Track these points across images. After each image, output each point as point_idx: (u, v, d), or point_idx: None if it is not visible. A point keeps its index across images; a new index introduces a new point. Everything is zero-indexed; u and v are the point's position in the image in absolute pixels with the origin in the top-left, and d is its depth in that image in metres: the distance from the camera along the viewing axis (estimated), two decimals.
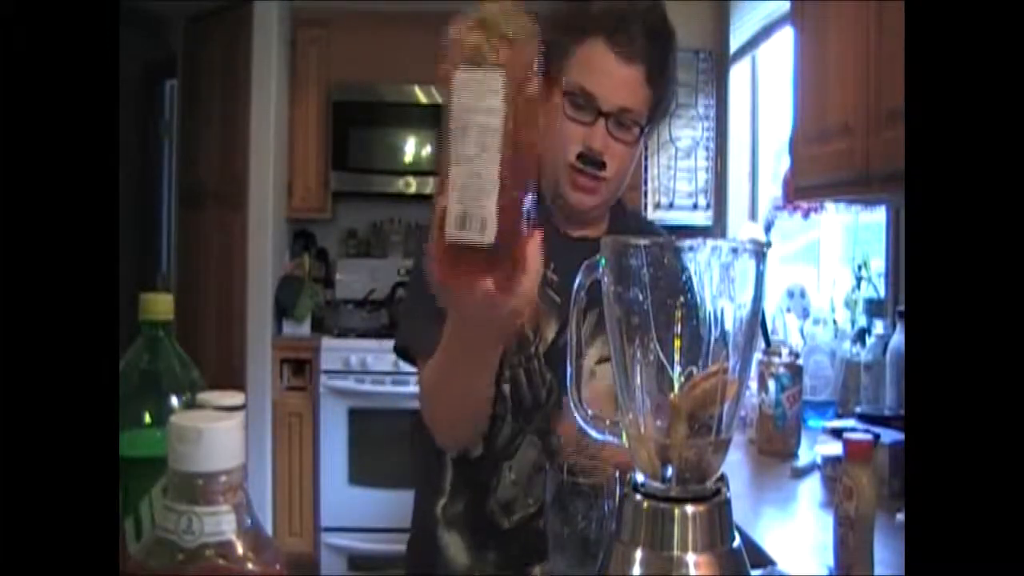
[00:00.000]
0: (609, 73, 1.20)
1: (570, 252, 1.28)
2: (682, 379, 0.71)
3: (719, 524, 0.70)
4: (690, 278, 0.70)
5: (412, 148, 4.20)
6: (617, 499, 0.75)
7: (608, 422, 0.78)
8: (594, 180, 1.23)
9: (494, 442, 1.26)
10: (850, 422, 2.04)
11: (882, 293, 2.49)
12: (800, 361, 2.15)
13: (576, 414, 0.79)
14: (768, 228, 3.23)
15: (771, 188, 3.38)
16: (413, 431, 1.39)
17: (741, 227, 3.38)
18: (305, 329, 4.06)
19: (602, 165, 1.21)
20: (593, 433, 0.79)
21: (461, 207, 0.70)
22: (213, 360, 3.98)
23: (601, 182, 1.24)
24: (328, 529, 3.82)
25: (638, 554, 0.69)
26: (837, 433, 1.83)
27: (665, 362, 0.71)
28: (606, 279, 0.74)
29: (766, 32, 3.25)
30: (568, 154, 1.22)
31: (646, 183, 3.46)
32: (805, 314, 2.75)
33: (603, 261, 0.74)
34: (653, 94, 1.23)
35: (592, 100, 1.20)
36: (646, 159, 3.46)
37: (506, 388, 1.25)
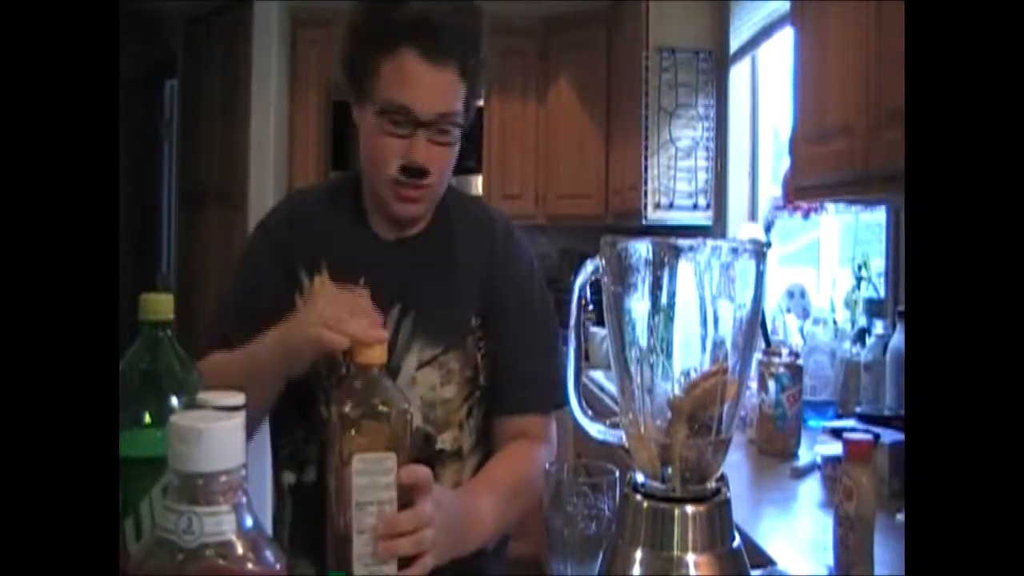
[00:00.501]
0: (422, 83, 1.16)
1: (384, 259, 1.28)
2: (682, 379, 0.71)
3: (719, 524, 0.70)
4: (690, 278, 0.70)
5: None
6: (617, 499, 0.75)
7: (608, 421, 0.78)
8: (418, 189, 1.21)
9: (324, 465, 1.16)
10: (850, 422, 2.04)
11: (882, 293, 2.49)
12: (800, 361, 2.15)
13: (576, 414, 0.79)
14: (768, 228, 3.23)
15: (771, 188, 3.38)
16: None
17: (741, 227, 3.38)
18: None
19: (425, 173, 1.20)
20: (594, 433, 0.79)
21: None
22: None
23: (425, 190, 1.22)
24: None
25: (638, 554, 0.69)
26: (837, 433, 1.83)
27: (665, 362, 0.71)
28: (606, 279, 0.74)
29: (766, 32, 3.25)
30: (390, 169, 1.19)
31: (646, 183, 3.46)
32: (805, 314, 2.75)
33: (601, 261, 0.74)
34: (468, 88, 1.21)
35: (408, 113, 1.17)
36: (646, 159, 3.46)
37: (323, 411, 1.21)
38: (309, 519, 1.19)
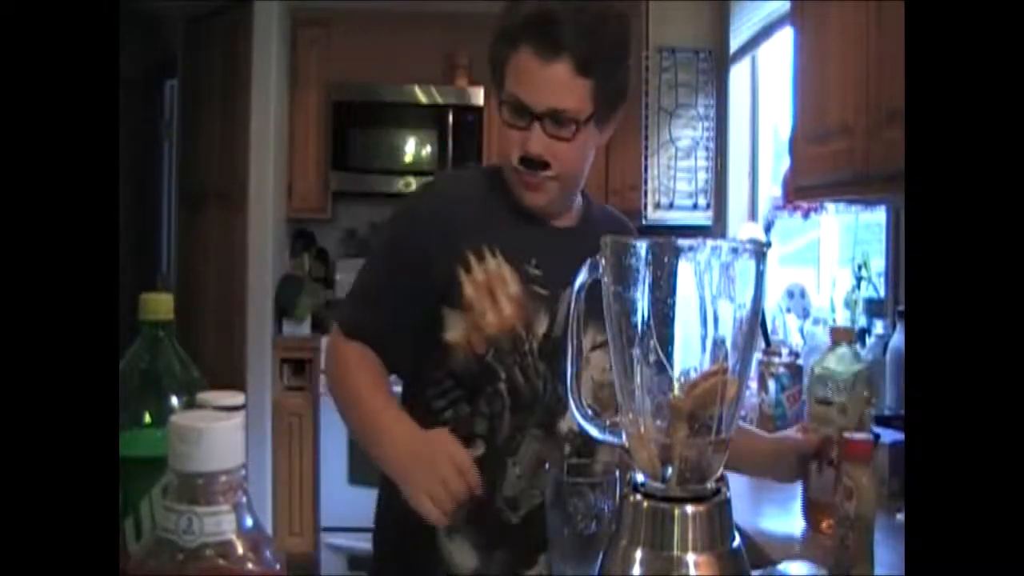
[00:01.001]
0: (533, 76, 1.22)
1: (551, 243, 1.32)
2: (682, 379, 0.71)
3: (719, 524, 0.70)
4: (690, 278, 0.69)
5: (412, 148, 4.20)
6: (617, 499, 0.75)
7: (608, 421, 0.78)
8: (539, 180, 1.27)
9: (494, 440, 1.27)
10: None
11: (882, 293, 2.49)
12: (800, 361, 2.15)
13: (576, 413, 0.79)
14: (768, 228, 3.23)
15: (771, 188, 3.37)
16: None
17: (741, 227, 3.38)
18: (305, 329, 4.06)
19: (543, 165, 1.25)
20: (594, 432, 0.79)
21: None
22: (213, 360, 3.98)
23: (547, 181, 1.27)
24: (328, 529, 3.82)
25: (638, 554, 0.69)
26: None
27: (665, 362, 0.71)
28: (606, 279, 0.73)
29: (766, 32, 3.24)
30: (511, 159, 1.27)
31: (646, 183, 3.46)
32: (805, 314, 2.75)
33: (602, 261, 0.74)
34: (594, 83, 1.23)
35: (523, 105, 1.23)
36: (646, 159, 3.46)
37: (503, 387, 1.27)
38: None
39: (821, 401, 1.48)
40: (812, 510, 1.52)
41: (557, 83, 1.22)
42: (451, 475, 1.09)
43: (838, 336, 1.53)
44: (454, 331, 1.28)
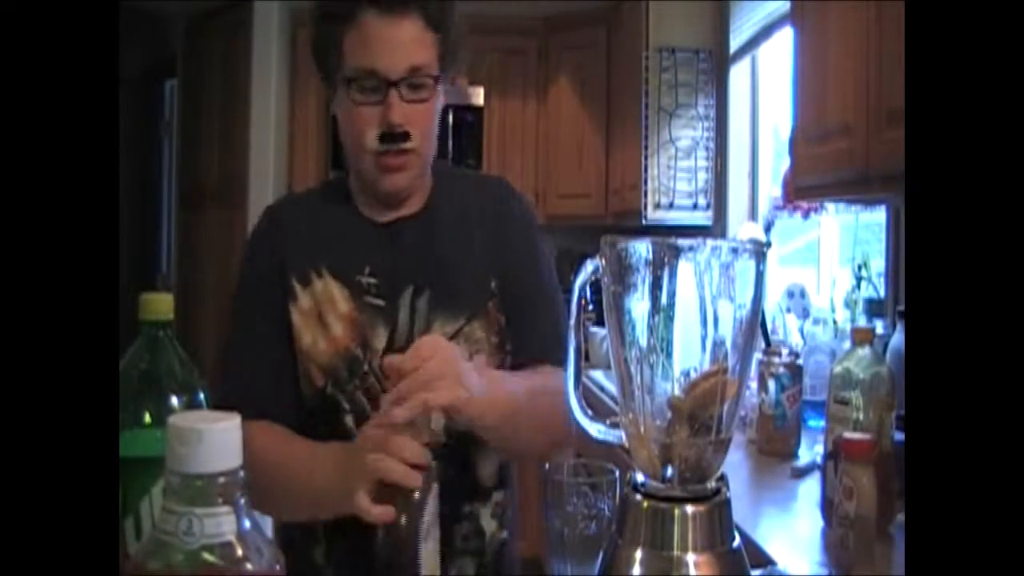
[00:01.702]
0: (384, 39, 1.12)
1: (387, 243, 1.22)
2: (682, 379, 0.71)
3: (719, 524, 0.70)
4: (690, 277, 0.69)
5: None
6: (617, 499, 0.75)
7: (608, 421, 0.78)
8: (402, 155, 1.16)
9: None
10: None
11: (882, 293, 2.49)
12: (800, 361, 2.15)
13: (576, 413, 0.79)
14: (768, 228, 3.23)
15: (771, 188, 3.37)
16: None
17: (741, 227, 3.38)
18: None
19: (406, 136, 1.15)
20: (594, 433, 0.79)
21: None
22: (213, 360, 3.97)
23: (410, 155, 1.17)
24: None
25: (638, 554, 0.69)
26: None
27: (665, 362, 0.71)
28: (606, 279, 0.73)
29: (766, 32, 3.24)
30: (369, 141, 1.15)
31: (646, 183, 3.46)
32: (805, 314, 2.75)
33: (601, 261, 0.74)
34: (439, 36, 1.16)
35: (376, 74, 1.12)
36: (646, 159, 3.46)
37: (349, 420, 1.17)
38: (345, 534, 1.14)
39: (839, 400, 1.48)
40: (830, 508, 1.52)
41: (409, 41, 1.13)
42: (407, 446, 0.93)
43: (859, 336, 1.53)
44: (299, 368, 1.19)
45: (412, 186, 1.23)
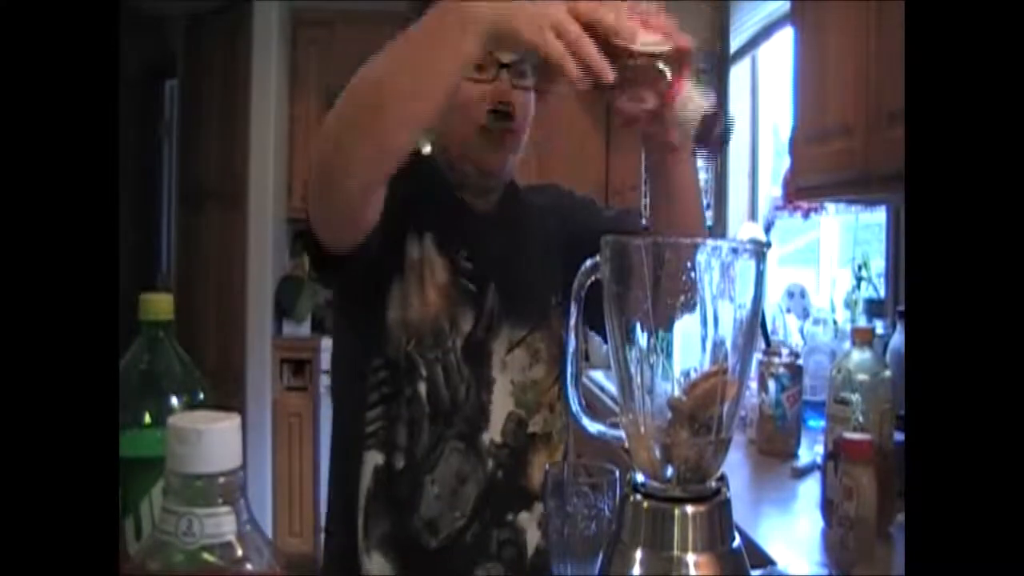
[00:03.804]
0: None
1: (481, 233, 1.23)
2: (682, 379, 0.71)
3: (719, 524, 0.70)
4: (690, 277, 0.69)
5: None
6: (617, 499, 0.75)
7: (608, 421, 0.78)
8: (508, 134, 1.20)
9: (413, 451, 1.17)
10: None
11: (882, 293, 2.49)
12: (800, 361, 2.15)
13: (577, 413, 0.79)
14: (768, 228, 3.23)
15: (771, 188, 3.38)
16: (334, 424, 1.29)
17: (741, 227, 3.38)
18: (305, 329, 4.06)
19: (512, 116, 1.19)
20: (594, 433, 0.79)
21: None
22: (213, 360, 3.98)
23: (515, 135, 1.21)
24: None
25: (638, 554, 0.69)
26: None
27: (665, 362, 0.71)
28: (606, 279, 0.73)
29: (766, 32, 3.25)
30: (478, 116, 1.17)
31: (646, 183, 3.46)
32: (805, 314, 2.75)
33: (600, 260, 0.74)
34: None
35: (490, 54, 1.13)
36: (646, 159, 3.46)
37: (422, 387, 1.17)
38: (387, 507, 1.17)
39: (839, 401, 1.49)
40: (830, 508, 1.52)
41: None
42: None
43: (859, 336, 1.53)
44: (393, 311, 1.18)
45: (507, 168, 1.25)
